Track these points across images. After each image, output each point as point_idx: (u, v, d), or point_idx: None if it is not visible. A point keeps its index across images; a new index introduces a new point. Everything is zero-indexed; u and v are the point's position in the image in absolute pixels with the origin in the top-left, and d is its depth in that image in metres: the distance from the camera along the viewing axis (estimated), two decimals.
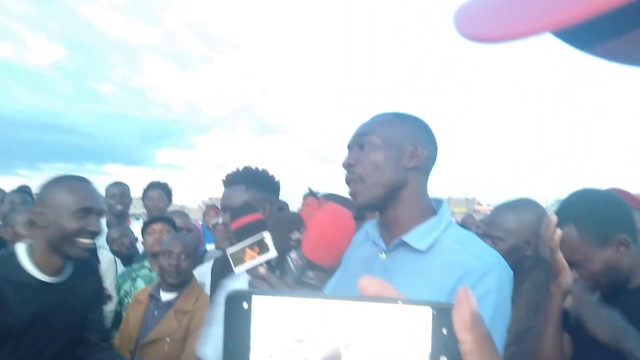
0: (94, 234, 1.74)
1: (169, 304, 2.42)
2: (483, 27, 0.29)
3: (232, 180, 1.88)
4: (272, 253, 1.16)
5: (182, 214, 3.62)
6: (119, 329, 2.52)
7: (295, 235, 1.23)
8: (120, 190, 3.85)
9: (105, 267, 2.80)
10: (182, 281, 2.45)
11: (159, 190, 3.97)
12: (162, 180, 4.06)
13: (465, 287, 0.38)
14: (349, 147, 1.27)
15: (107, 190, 3.87)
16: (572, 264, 1.40)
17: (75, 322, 1.83)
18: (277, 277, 1.16)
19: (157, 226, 2.99)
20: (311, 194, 1.57)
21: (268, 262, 1.17)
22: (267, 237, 1.17)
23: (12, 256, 1.73)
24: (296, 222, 1.33)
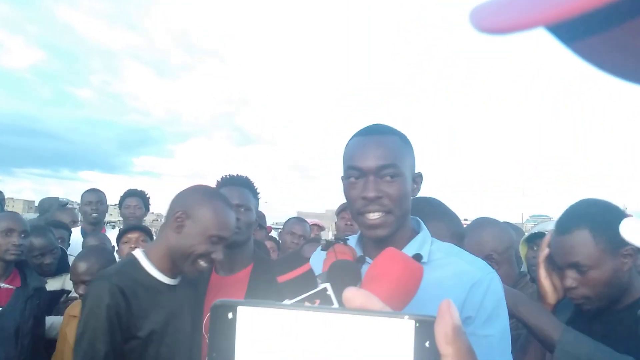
0: (213, 261, 1.75)
1: None
2: (491, 18, 0.29)
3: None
4: (335, 306, 1.03)
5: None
6: (56, 349, 2.38)
7: (358, 284, 1.13)
8: (96, 198, 3.83)
9: None
10: None
11: (137, 199, 3.94)
12: (139, 189, 4.03)
13: (448, 300, 0.38)
14: (368, 172, 1.23)
15: (82, 197, 3.85)
16: (580, 269, 1.43)
17: (191, 323, 1.83)
18: None
19: (132, 235, 2.96)
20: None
21: None
22: (329, 289, 1.07)
23: (134, 262, 1.72)
24: (352, 269, 1.21)
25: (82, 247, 3.20)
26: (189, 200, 1.74)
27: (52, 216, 3.96)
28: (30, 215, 5.13)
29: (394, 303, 1.04)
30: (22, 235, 2.45)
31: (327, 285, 1.09)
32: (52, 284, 2.86)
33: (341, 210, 3.45)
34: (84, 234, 3.65)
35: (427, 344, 0.37)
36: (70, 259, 3.06)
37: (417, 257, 1.14)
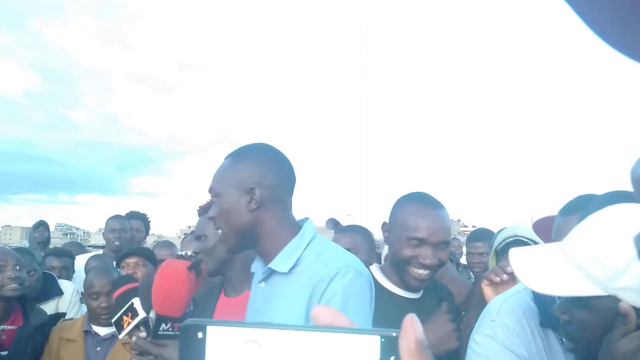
0: (426, 267, 1.60)
1: (113, 337, 2.30)
2: None
3: (206, 209, 1.88)
4: (141, 315, 1.34)
5: (168, 244, 3.60)
6: None
7: None
8: (120, 225, 3.79)
9: (69, 297, 3.00)
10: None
11: (137, 221, 3.95)
12: (140, 211, 4.01)
13: (411, 315, 0.38)
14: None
15: (107, 224, 3.84)
16: None
17: None
18: (143, 337, 1.31)
19: (131, 260, 2.89)
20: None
21: (145, 324, 1.33)
22: (135, 302, 1.35)
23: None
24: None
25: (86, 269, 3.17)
26: (394, 210, 1.73)
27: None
28: (26, 243, 5.13)
29: (164, 304, 1.31)
30: (17, 267, 2.37)
31: (135, 299, 1.37)
32: (46, 309, 2.80)
33: (334, 226, 3.36)
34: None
35: (392, 358, 0.37)
36: (64, 283, 3.10)
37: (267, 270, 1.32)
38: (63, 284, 3.07)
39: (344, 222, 3.19)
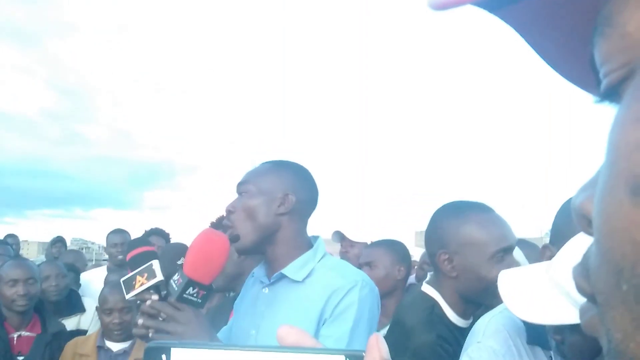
0: None
1: (125, 352, 2.32)
2: None
3: (218, 225, 1.92)
4: (159, 277, 1.31)
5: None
6: None
7: (181, 260, 1.37)
8: (121, 239, 3.82)
9: (91, 314, 2.88)
10: (129, 333, 2.33)
11: (160, 237, 3.96)
12: (161, 227, 4.04)
13: (376, 334, 0.38)
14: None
15: (107, 238, 3.87)
16: None
17: None
18: (159, 298, 1.27)
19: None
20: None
21: (156, 287, 1.30)
22: (154, 264, 1.32)
23: (433, 308, 1.46)
24: (182, 249, 1.46)
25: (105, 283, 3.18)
26: (447, 233, 1.50)
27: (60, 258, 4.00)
28: (42, 258, 5.23)
29: (199, 269, 1.28)
30: (30, 282, 2.42)
31: (154, 261, 1.34)
32: (68, 324, 2.86)
33: (340, 239, 3.38)
34: (111, 274, 3.68)
35: None
36: (86, 301, 3.13)
37: (279, 275, 1.34)
38: (86, 301, 3.10)
39: (351, 236, 3.21)
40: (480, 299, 1.45)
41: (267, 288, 1.40)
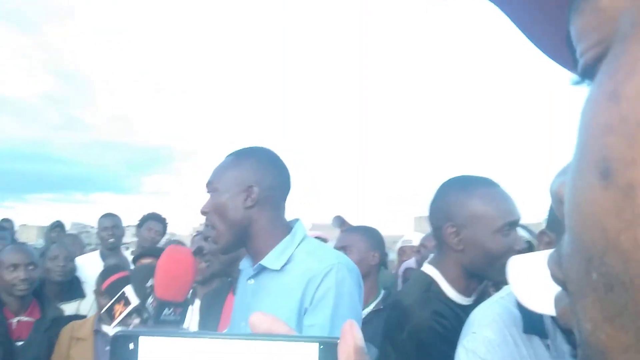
0: (519, 252, 1.39)
1: None
2: None
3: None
4: (134, 303, 1.38)
5: (177, 242, 3.55)
6: None
7: (150, 282, 1.41)
8: (111, 222, 3.88)
9: (91, 301, 2.82)
10: None
11: (158, 224, 4.00)
12: (158, 212, 4.11)
13: (350, 321, 0.38)
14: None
15: (99, 222, 3.90)
16: None
17: None
18: (140, 321, 1.33)
19: (146, 260, 2.89)
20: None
21: (138, 311, 1.36)
22: (127, 290, 1.40)
23: (431, 286, 1.47)
24: (149, 271, 1.50)
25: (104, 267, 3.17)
26: (453, 207, 1.49)
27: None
28: (41, 242, 5.22)
29: (168, 289, 1.33)
30: (30, 268, 2.43)
31: (127, 287, 1.39)
32: (67, 310, 2.86)
33: (340, 224, 3.38)
34: (103, 258, 3.70)
35: None
36: (86, 286, 3.10)
37: (259, 267, 1.36)
38: (86, 286, 3.10)
39: (351, 221, 3.22)
40: (485, 273, 1.45)
41: (252, 279, 1.41)
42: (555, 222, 1.17)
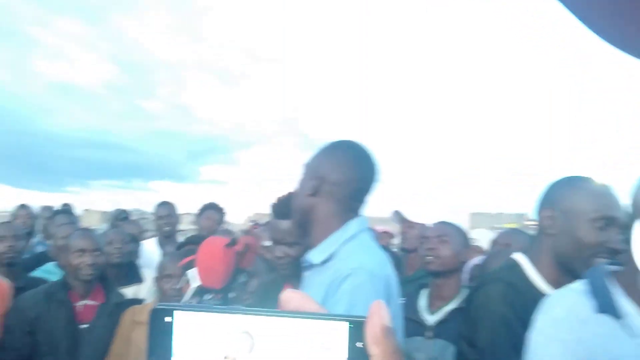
0: (614, 252, 1.44)
1: None
2: None
3: (281, 205, 1.99)
4: (194, 284, 1.49)
5: (227, 232, 3.70)
6: (112, 352, 2.42)
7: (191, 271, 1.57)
8: (167, 211, 3.95)
9: (149, 285, 2.96)
10: None
11: (216, 212, 4.06)
12: (217, 203, 4.16)
13: (378, 301, 0.38)
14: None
15: (155, 210, 3.99)
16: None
17: None
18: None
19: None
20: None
21: (198, 293, 1.48)
22: (190, 273, 1.52)
23: (514, 268, 1.52)
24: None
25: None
26: (552, 194, 1.55)
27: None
28: (104, 226, 5.37)
29: (205, 277, 1.50)
30: (96, 253, 2.50)
31: (190, 270, 1.51)
32: (126, 293, 2.93)
33: (400, 220, 3.27)
34: (160, 245, 3.79)
35: (359, 344, 0.38)
36: (144, 271, 3.19)
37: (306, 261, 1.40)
38: (144, 271, 3.19)
39: (411, 216, 3.13)
40: (572, 263, 1.46)
41: (307, 271, 1.45)
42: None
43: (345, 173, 1.41)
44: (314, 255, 1.38)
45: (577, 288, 1.23)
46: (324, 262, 1.35)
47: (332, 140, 1.49)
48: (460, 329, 1.58)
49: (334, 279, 1.27)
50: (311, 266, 1.40)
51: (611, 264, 1.26)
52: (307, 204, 1.42)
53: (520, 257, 1.54)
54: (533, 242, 1.58)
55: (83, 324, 2.42)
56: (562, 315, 1.19)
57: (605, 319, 1.17)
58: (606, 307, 1.17)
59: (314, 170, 1.43)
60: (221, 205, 4.13)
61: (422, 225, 2.94)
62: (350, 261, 1.30)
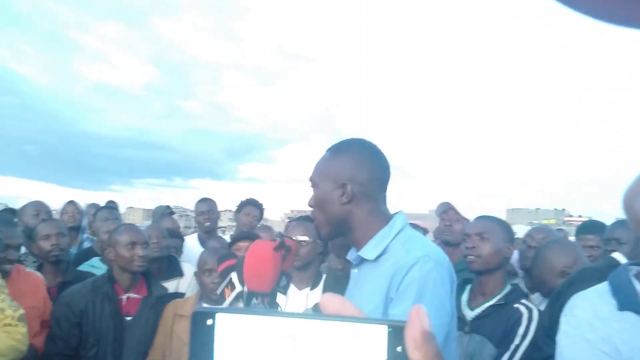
0: None
1: None
2: None
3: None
4: (238, 288, 1.47)
5: (266, 227, 3.78)
6: (155, 344, 2.46)
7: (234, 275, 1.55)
8: (207, 207, 4.00)
9: (189, 279, 3.06)
10: None
11: (257, 209, 4.08)
12: (256, 199, 4.18)
13: (418, 305, 0.38)
14: None
15: (196, 207, 4.04)
16: None
17: None
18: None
19: (244, 244, 2.96)
20: None
21: (241, 296, 1.45)
22: (233, 276, 1.50)
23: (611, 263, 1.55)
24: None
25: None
26: None
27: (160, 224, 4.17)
28: (147, 223, 5.49)
29: (254, 281, 1.43)
30: (145, 246, 2.56)
31: (233, 274, 1.50)
32: (167, 287, 2.97)
33: (443, 212, 3.20)
34: (201, 241, 3.82)
35: (398, 348, 0.37)
36: (185, 266, 3.23)
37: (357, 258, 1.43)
38: (184, 266, 3.22)
39: (460, 209, 3.05)
40: None
41: (356, 269, 1.48)
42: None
43: (369, 170, 1.43)
44: (367, 252, 1.39)
45: (600, 288, 1.22)
46: (378, 256, 1.37)
47: (333, 146, 1.49)
48: (541, 319, 1.59)
49: (397, 269, 1.29)
50: (361, 263, 1.44)
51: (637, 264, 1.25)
52: (344, 211, 1.41)
53: (620, 257, 1.52)
54: (637, 243, 1.56)
55: (127, 316, 2.47)
56: (583, 316, 1.19)
57: (629, 316, 1.16)
58: (629, 303, 1.16)
59: (335, 178, 1.42)
60: (260, 201, 4.15)
61: (467, 220, 2.86)
62: (414, 251, 1.32)
